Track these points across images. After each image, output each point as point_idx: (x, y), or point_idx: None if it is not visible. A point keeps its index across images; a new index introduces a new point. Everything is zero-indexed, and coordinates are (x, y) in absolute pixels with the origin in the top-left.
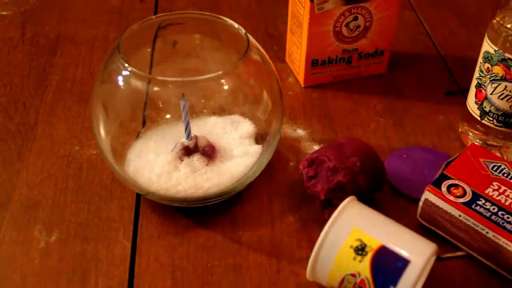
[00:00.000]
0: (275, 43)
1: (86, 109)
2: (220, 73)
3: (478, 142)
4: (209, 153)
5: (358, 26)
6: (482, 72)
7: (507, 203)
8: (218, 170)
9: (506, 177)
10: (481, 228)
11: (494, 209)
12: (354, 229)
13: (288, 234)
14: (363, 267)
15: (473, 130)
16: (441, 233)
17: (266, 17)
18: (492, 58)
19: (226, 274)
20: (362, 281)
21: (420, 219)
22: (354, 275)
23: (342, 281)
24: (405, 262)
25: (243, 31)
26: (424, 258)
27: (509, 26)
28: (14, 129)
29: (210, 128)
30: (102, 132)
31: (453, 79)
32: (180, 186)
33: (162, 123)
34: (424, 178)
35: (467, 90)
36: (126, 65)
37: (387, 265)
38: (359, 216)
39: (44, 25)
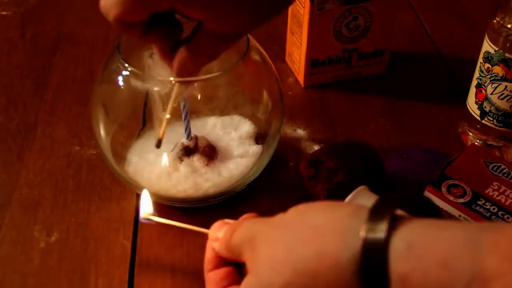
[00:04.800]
0: (275, 43)
1: (86, 109)
2: (220, 73)
3: (477, 142)
4: (209, 153)
5: (358, 26)
6: (482, 72)
7: (507, 203)
8: (217, 170)
9: (506, 177)
10: None
11: (494, 209)
12: None
13: None
14: None
15: (473, 130)
16: None
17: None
18: (492, 58)
19: None
20: None
21: None
22: None
23: None
24: None
25: None
26: None
27: (509, 25)
28: (14, 129)
29: (209, 128)
30: (102, 132)
31: (453, 79)
32: (180, 186)
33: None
34: (424, 178)
35: (467, 90)
36: (126, 65)
37: None
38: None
39: (44, 25)
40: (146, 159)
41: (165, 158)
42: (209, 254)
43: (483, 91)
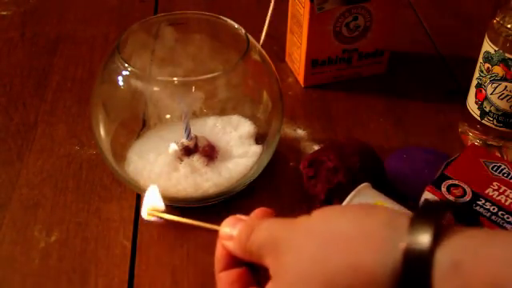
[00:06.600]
0: (275, 43)
1: (86, 109)
2: (220, 73)
3: (477, 142)
4: (208, 153)
5: (358, 26)
6: (482, 72)
7: (507, 203)
8: (217, 170)
9: (506, 177)
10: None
11: (494, 209)
12: None
13: None
14: None
15: (473, 130)
16: None
17: (265, 17)
18: (492, 58)
19: None
20: None
21: None
22: None
23: None
24: None
25: (243, 31)
26: None
27: (509, 26)
28: (13, 129)
29: (209, 128)
30: (102, 132)
31: (453, 79)
32: (180, 186)
33: (162, 123)
34: (424, 178)
35: (467, 90)
36: (126, 65)
37: None
38: (373, 200)
39: (44, 25)
40: (145, 159)
41: (165, 158)
42: (220, 253)
43: (483, 91)
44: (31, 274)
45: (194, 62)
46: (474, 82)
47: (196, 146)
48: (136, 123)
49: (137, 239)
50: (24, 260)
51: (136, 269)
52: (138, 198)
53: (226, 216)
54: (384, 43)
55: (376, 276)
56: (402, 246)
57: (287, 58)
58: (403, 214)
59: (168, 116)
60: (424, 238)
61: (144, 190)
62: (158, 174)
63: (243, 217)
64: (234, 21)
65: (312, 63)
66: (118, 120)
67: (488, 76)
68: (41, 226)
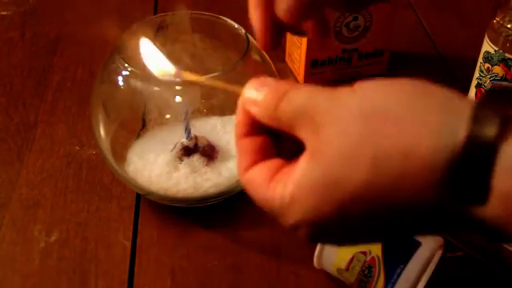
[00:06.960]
0: None
1: (86, 109)
2: (220, 73)
3: None
4: (209, 153)
5: (358, 26)
6: (482, 72)
7: None
8: (217, 170)
9: None
10: None
11: None
12: None
13: (288, 234)
14: (375, 244)
15: None
16: None
17: None
18: (492, 58)
19: (225, 274)
20: (372, 259)
21: None
22: (364, 253)
23: (352, 259)
24: (416, 244)
25: (243, 31)
26: (435, 242)
27: (509, 26)
28: (13, 129)
29: (209, 128)
30: (102, 132)
31: (453, 79)
32: (180, 186)
33: (162, 123)
34: None
35: (467, 90)
36: (126, 65)
37: (399, 244)
38: None
39: (44, 25)
40: (145, 159)
41: (165, 158)
42: (241, 117)
43: (483, 91)
44: (31, 274)
45: (193, 62)
46: (474, 82)
47: (196, 145)
48: (136, 123)
49: (137, 239)
50: (24, 260)
51: (136, 269)
52: (138, 198)
53: (227, 216)
54: (384, 43)
55: (430, 162)
56: (464, 134)
57: (287, 58)
58: (463, 97)
59: (168, 116)
60: (490, 129)
61: (144, 191)
62: (158, 174)
63: (270, 80)
64: (234, 21)
65: (312, 63)
66: (118, 120)
67: (488, 76)
68: (41, 226)
